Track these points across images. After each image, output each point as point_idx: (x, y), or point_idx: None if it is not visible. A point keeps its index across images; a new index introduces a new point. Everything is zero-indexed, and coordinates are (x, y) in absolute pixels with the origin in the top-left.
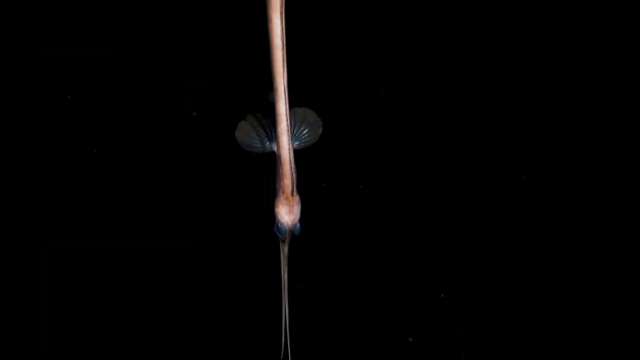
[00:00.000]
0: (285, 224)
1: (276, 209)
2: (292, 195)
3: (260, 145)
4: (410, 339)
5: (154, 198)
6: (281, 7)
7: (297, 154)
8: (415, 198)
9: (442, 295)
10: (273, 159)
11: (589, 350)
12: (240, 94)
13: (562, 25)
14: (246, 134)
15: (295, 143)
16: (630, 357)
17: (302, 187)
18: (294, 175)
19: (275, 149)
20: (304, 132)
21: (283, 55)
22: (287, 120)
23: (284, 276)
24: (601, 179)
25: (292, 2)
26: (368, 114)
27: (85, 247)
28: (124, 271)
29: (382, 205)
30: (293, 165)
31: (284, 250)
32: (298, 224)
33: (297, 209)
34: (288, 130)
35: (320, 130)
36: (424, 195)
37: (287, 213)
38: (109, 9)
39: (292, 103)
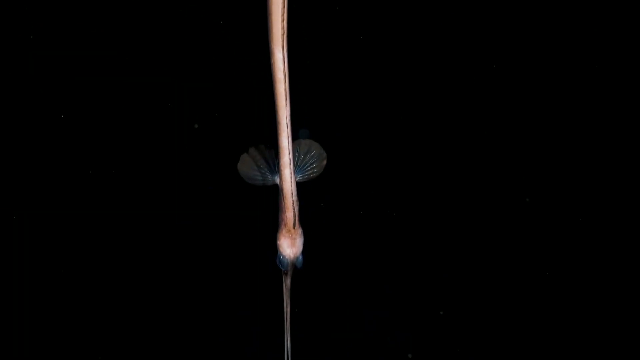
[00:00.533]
0: (287, 257)
1: (278, 242)
2: (294, 228)
3: (261, 178)
4: (410, 356)
5: (154, 198)
6: (283, 41)
7: (299, 185)
8: (414, 219)
9: (441, 313)
10: (275, 191)
11: None
12: (240, 94)
13: (572, 47)
14: (249, 166)
15: (299, 176)
16: None
17: (305, 219)
18: (297, 208)
19: (277, 181)
20: (308, 164)
21: (285, 89)
22: (289, 153)
23: (287, 308)
24: (604, 202)
25: (294, 34)
26: (370, 141)
27: (85, 247)
28: (124, 271)
29: (382, 226)
30: (295, 198)
31: (287, 282)
32: (300, 257)
33: (299, 242)
34: (290, 164)
35: (325, 162)
36: (423, 217)
37: (289, 246)
38: (109, 9)
39: (294, 135)
